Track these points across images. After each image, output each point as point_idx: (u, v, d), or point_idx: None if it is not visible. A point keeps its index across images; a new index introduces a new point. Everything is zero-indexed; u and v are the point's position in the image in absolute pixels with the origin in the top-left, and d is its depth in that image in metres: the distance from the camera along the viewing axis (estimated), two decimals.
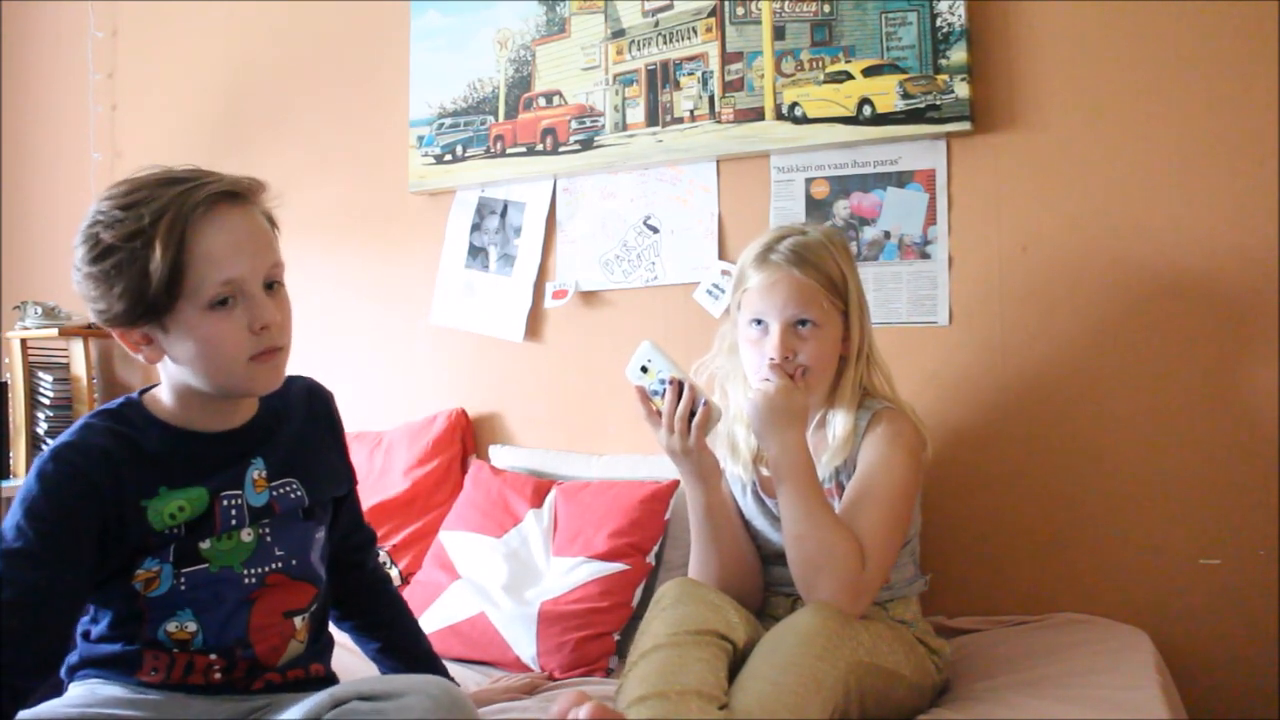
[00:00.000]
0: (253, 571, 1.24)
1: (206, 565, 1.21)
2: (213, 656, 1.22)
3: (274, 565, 1.25)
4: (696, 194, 2.20)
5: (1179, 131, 1.83)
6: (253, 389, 1.24)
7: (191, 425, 1.24)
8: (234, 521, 1.22)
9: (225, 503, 1.22)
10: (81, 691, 1.20)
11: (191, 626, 1.20)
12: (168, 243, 1.13)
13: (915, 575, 1.65)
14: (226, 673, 1.22)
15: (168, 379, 1.24)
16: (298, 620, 1.28)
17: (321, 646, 1.34)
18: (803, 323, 1.55)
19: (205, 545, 1.21)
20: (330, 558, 1.40)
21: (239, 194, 1.19)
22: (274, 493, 1.27)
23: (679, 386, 1.48)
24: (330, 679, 1.33)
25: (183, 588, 1.20)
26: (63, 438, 1.19)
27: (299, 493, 1.29)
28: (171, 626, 1.20)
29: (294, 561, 1.27)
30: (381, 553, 2.21)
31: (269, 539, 1.25)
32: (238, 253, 1.18)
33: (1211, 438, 1.80)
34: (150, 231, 1.13)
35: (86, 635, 1.23)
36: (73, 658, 1.23)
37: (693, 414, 1.48)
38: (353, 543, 1.45)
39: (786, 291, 1.55)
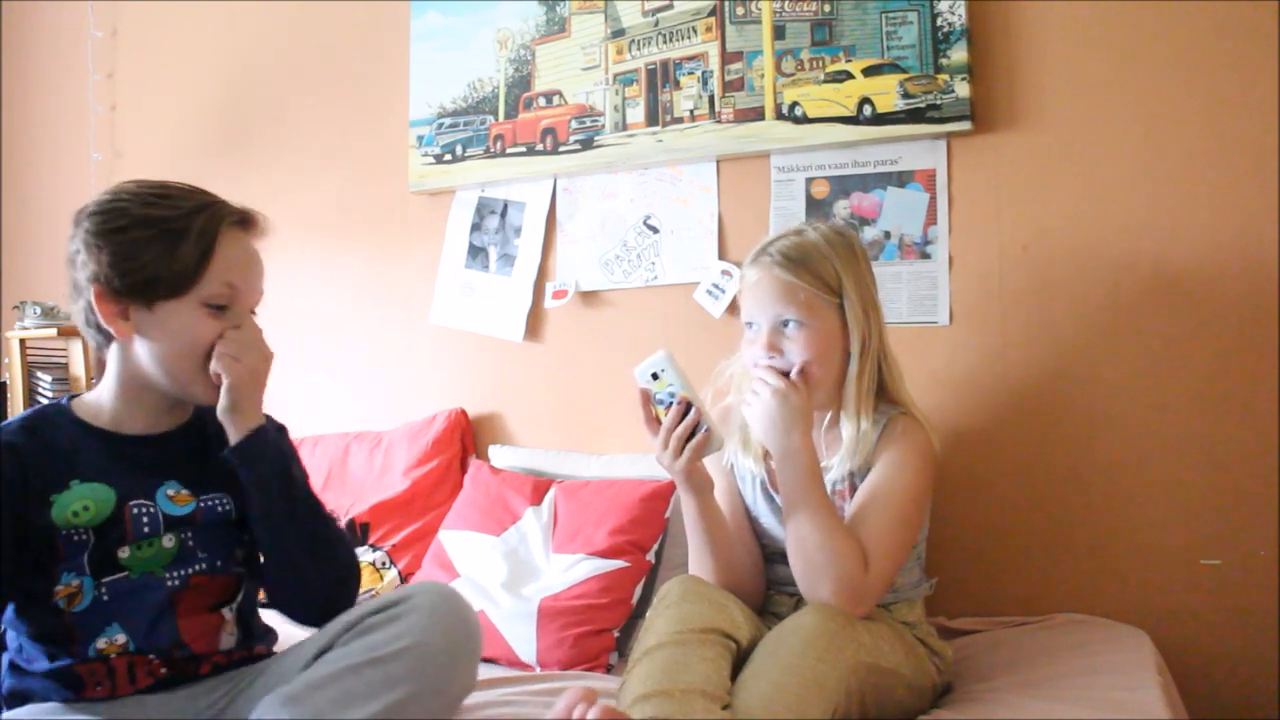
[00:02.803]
0: (176, 574, 1.25)
1: (127, 573, 1.22)
2: (151, 657, 1.22)
3: (198, 567, 1.27)
4: (696, 194, 2.20)
5: (1179, 131, 1.83)
6: (195, 394, 1.29)
7: (116, 425, 1.28)
8: (146, 529, 1.23)
9: (135, 510, 1.23)
10: (29, 706, 1.19)
11: (121, 638, 1.21)
12: (202, 235, 1.25)
13: (920, 579, 1.65)
14: (170, 667, 1.23)
15: (120, 363, 1.28)
16: (225, 612, 1.30)
17: (260, 633, 1.36)
18: (787, 323, 1.55)
19: (124, 554, 1.22)
20: None
21: (255, 223, 1.32)
22: (201, 504, 1.29)
23: (685, 406, 1.45)
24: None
25: (105, 598, 1.20)
26: None
27: (227, 506, 1.31)
28: (101, 643, 1.20)
29: (218, 562, 1.29)
30: (381, 552, 2.21)
31: (190, 543, 1.27)
32: (247, 271, 1.31)
33: (1212, 438, 1.80)
34: (186, 221, 1.24)
35: (18, 668, 1.22)
36: (9, 681, 1.22)
37: (692, 435, 1.46)
38: None
39: (770, 291, 1.56)
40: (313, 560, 1.32)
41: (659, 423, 1.49)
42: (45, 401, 1.31)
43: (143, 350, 1.26)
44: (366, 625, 1.18)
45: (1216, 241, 1.80)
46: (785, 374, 1.53)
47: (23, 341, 2.84)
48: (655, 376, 1.47)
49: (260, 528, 1.31)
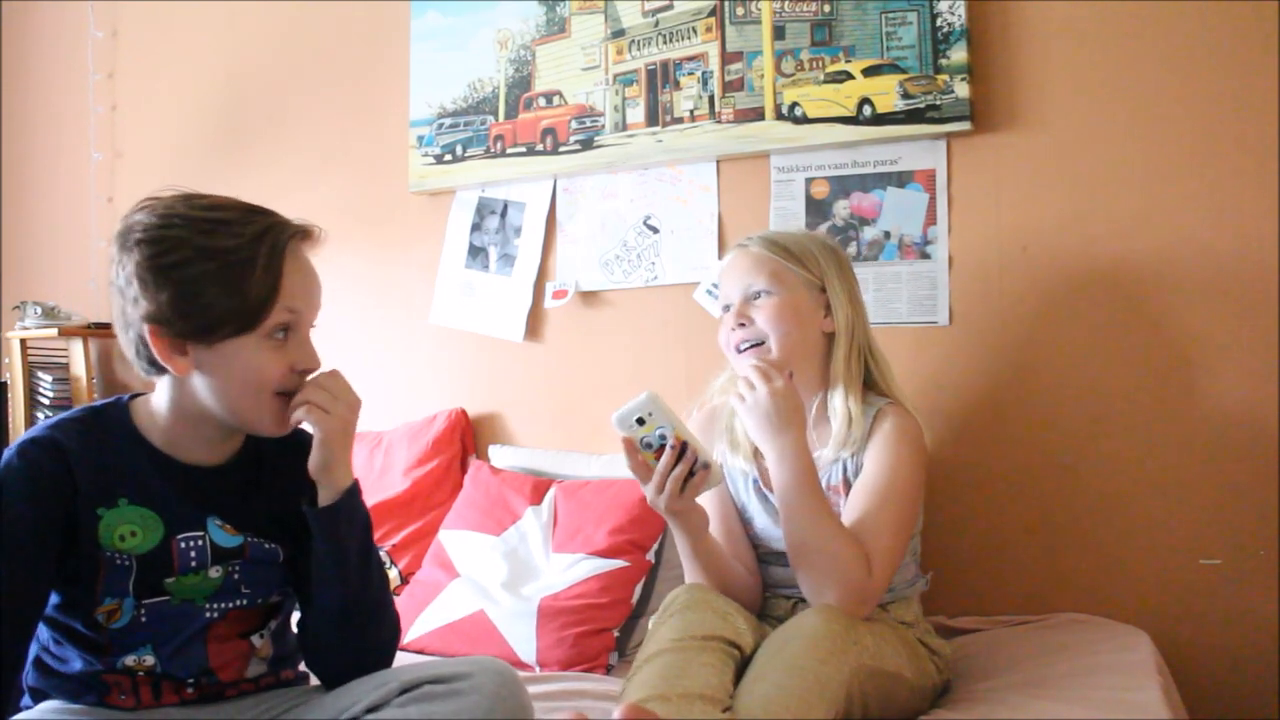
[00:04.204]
0: (215, 606, 1.22)
1: (168, 598, 1.19)
2: (177, 680, 1.21)
3: (239, 602, 1.23)
4: (696, 194, 2.20)
5: (1179, 131, 1.83)
6: (261, 427, 1.21)
7: (170, 449, 1.22)
8: (194, 564, 1.20)
9: (183, 545, 1.19)
10: (56, 702, 1.18)
11: (149, 660, 1.19)
12: (269, 266, 1.15)
13: (916, 576, 1.65)
14: (196, 689, 1.22)
15: (172, 391, 1.21)
16: (255, 639, 1.26)
17: (290, 653, 1.32)
18: (758, 295, 1.58)
19: (170, 580, 1.19)
20: None
21: (314, 235, 1.22)
22: (248, 539, 1.24)
23: (681, 446, 1.40)
24: (301, 679, 1.33)
25: (143, 619, 1.18)
26: (33, 430, 1.18)
27: (272, 547, 1.26)
28: (130, 660, 1.18)
29: (259, 600, 1.26)
30: (381, 552, 2.20)
31: (236, 577, 1.23)
32: (310, 292, 1.22)
33: (1212, 437, 1.80)
34: (251, 250, 1.14)
35: (46, 666, 1.21)
36: (32, 677, 1.21)
37: (690, 474, 1.41)
38: None
39: (740, 266, 1.61)
40: (364, 630, 1.25)
41: (648, 467, 1.44)
42: (110, 401, 1.23)
43: (202, 385, 1.18)
44: (425, 693, 1.12)
45: (1216, 241, 1.80)
46: (775, 372, 1.50)
47: (23, 341, 2.84)
48: (640, 422, 1.41)
49: (323, 590, 1.24)
